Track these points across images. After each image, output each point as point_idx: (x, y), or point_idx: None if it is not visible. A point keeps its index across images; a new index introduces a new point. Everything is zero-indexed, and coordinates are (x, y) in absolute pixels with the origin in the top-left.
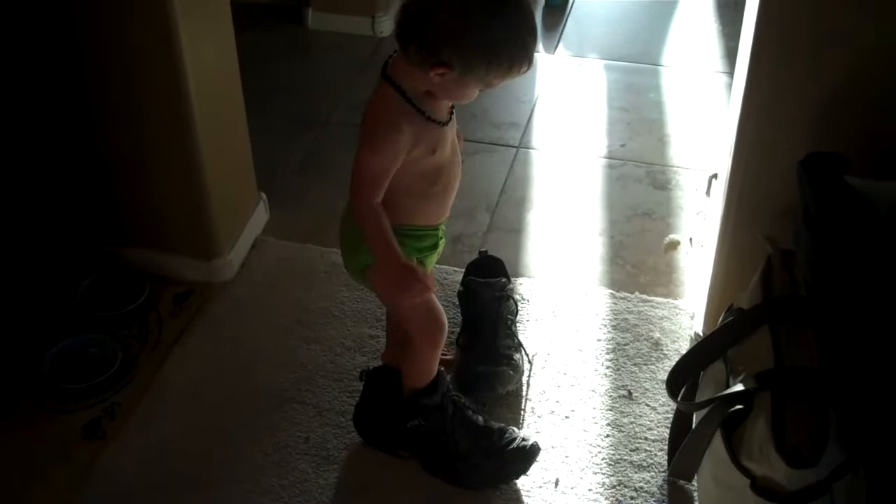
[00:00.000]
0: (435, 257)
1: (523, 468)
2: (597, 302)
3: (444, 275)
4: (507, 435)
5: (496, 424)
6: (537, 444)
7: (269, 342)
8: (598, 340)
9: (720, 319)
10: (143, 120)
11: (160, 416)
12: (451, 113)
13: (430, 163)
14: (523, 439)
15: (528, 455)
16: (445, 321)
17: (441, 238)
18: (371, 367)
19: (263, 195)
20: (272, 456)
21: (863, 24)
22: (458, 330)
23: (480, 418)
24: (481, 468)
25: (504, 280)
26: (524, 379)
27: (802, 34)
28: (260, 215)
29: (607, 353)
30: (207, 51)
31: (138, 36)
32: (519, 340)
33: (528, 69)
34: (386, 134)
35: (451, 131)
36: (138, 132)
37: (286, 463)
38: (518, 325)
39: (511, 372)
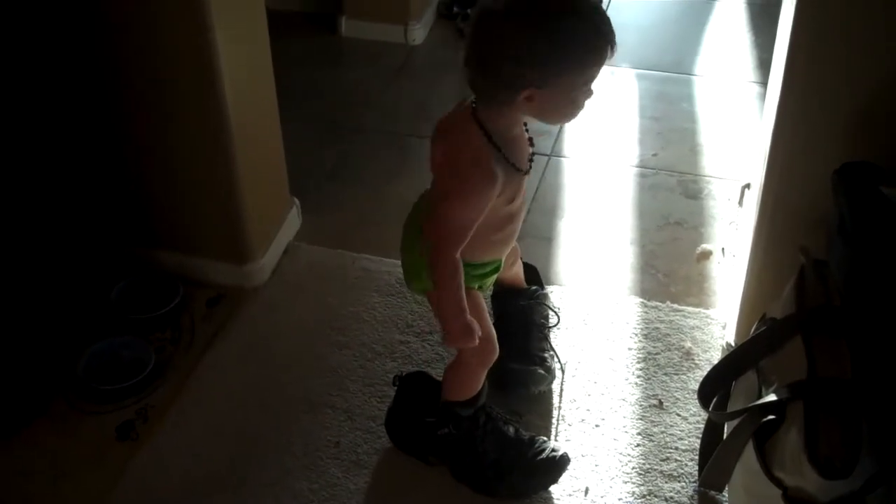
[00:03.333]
0: (495, 277)
1: (552, 479)
2: (628, 311)
3: None
4: (536, 445)
5: (527, 434)
6: (567, 455)
7: (300, 347)
8: (629, 349)
9: (753, 329)
10: (178, 125)
11: (192, 419)
12: (531, 161)
13: (506, 211)
14: (553, 450)
15: (557, 466)
16: (497, 346)
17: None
18: (404, 373)
19: (296, 200)
20: (302, 460)
21: None
22: None
23: (512, 429)
24: (510, 478)
25: (535, 287)
26: (555, 387)
27: (837, 44)
28: (292, 220)
29: (638, 362)
30: (243, 57)
31: (175, 42)
32: (552, 345)
33: (612, 53)
34: (480, 182)
35: (525, 181)
36: (173, 137)
37: (316, 467)
38: (551, 332)
39: (543, 373)
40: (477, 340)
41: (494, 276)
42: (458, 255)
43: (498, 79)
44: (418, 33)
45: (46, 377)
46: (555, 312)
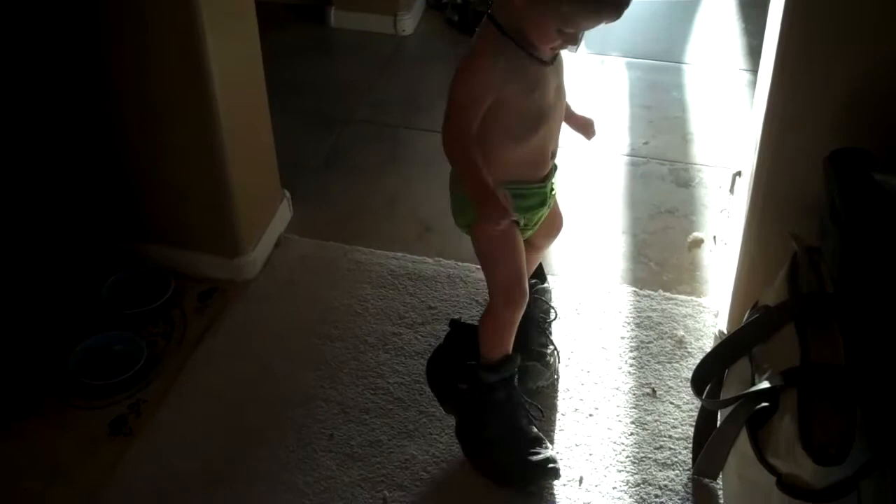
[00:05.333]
0: (544, 211)
1: (530, 482)
2: (620, 300)
3: (468, 272)
4: (536, 447)
5: (535, 433)
6: (556, 470)
7: (292, 339)
8: (622, 338)
9: (745, 317)
10: (168, 118)
11: (185, 413)
12: (556, 57)
13: (531, 104)
14: (550, 459)
15: (541, 473)
16: (528, 292)
17: (551, 192)
18: (462, 320)
19: (287, 193)
20: (296, 453)
21: (888, 20)
22: None
23: (525, 421)
24: (497, 462)
25: (534, 281)
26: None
27: (828, 30)
28: (283, 213)
29: (631, 351)
30: (232, 49)
31: (163, 34)
32: (551, 340)
33: (614, 15)
34: (478, 63)
35: (556, 76)
36: (163, 130)
37: (310, 460)
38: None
39: (542, 367)
40: (510, 214)
41: (544, 210)
42: (466, 135)
43: None
44: (408, 24)
45: (39, 373)
46: (553, 309)
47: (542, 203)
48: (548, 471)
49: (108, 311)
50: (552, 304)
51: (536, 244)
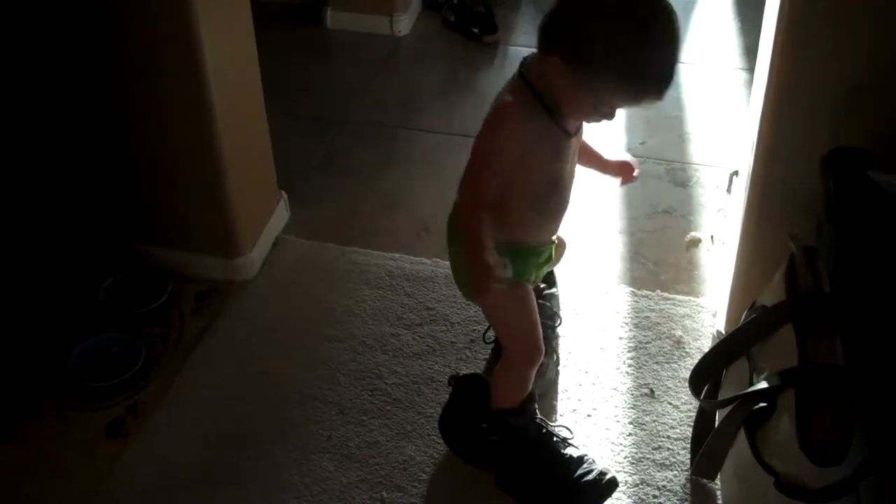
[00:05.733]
0: (548, 265)
1: (596, 502)
2: (618, 300)
3: None
4: (585, 465)
5: (576, 453)
6: (615, 480)
7: (290, 340)
8: (620, 339)
9: (743, 317)
10: (165, 119)
11: (183, 414)
12: (580, 128)
13: (552, 172)
14: (602, 472)
15: (604, 489)
16: (543, 346)
17: (552, 245)
18: (461, 374)
19: (284, 194)
20: (294, 454)
21: (885, 20)
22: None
23: (562, 445)
24: (554, 496)
25: (543, 286)
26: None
27: (824, 29)
28: (280, 214)
29: (629, 352)
30: (228, 50)
31: (159, 36)
32: (553, 346)
33: (656, 100)
34: (507, 124)
35: (576, 146)
36: (160, 131)
37: (308, 461)
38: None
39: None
40: (498, 282)
41: (549, 264)
42: (482, 199)
43: (543, 30)
44: (404, 24)
45: (37, 375)
46: (559, 315)
47: (549, 258)
48: (607, 484)
49: (106, 312)
50: (557, 311)
51: None
